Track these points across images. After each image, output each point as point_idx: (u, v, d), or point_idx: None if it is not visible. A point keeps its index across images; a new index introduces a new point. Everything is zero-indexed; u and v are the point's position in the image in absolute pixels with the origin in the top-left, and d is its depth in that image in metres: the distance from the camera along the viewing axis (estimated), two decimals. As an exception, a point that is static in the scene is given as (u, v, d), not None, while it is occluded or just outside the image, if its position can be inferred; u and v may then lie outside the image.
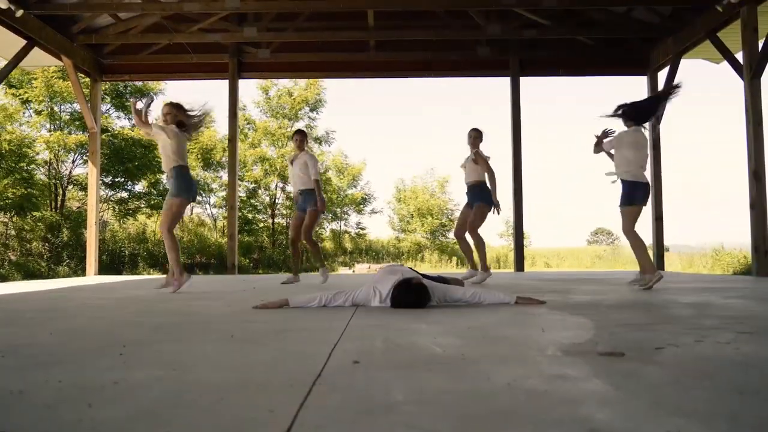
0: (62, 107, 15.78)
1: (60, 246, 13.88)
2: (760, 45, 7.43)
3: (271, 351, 2.06)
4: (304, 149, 6.38)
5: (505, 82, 10.36)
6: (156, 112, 6.47)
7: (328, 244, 20.45)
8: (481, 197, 6.13)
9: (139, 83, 16.13)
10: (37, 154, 15.31)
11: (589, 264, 20.41)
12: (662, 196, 10.05)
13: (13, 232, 14.04)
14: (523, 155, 10.10)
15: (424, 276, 3.82)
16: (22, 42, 8.49)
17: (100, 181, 11.56)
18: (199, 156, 18.53)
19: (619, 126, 5.18)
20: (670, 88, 5.51)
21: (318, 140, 20.76)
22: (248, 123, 20.02)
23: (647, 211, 7.82)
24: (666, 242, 10.42)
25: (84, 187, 15.06)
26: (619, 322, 2.76)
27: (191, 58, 10.35)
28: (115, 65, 10.59)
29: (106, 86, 15.53)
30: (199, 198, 19.84)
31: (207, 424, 1.19)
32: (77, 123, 15.38)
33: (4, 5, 7.56)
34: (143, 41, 10.04)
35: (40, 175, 15.62)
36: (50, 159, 15.59)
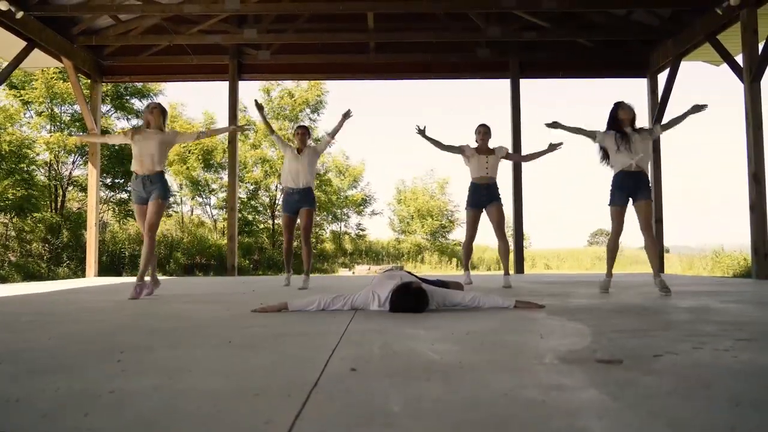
0: (62, 108, 15.79)
1: (60, 247, 13.88)
2: (760, 48, 7.43)
3: (269, 356, 2.06)
4: (307, 145, 6.27)
5: (505, 84, 10.37)
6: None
7: (328, 246, 20.45)
8: (499, 195, 6.17)
9: (139, 84, 16.14)
10: (38, 155, 15.32)
11: (589, 265, 20.40)
12: (662, 198, 10.06)
13: (13, 233, 14.04)
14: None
15: (423, 280, 3.82)
16: (23, 43, 8.49)
17: (100, 182, 11.56)
18: (200, 157, 18.54)
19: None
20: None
21: (318, 141, 20.74)
22: (248, 124, 20.02)
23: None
24: (666, 243, 10.43)
25: (84, 188, 15.06)
26: (618, 327, 2.76)
27: (191, 60, 10.35)
28: (115, 66, 10.60)
29: (108, 87, 15.55)
30: (199, 199, 19.88)
31: (203, 435, 1.19)
32: (77, 124, 15.38)
33: (4, 7, 7.56)
34: (143, 43, 10.05)
35: (41, 176, 15.63)
36: (50, 160, 15.60)
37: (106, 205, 16.28)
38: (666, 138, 15.63)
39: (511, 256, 10.60)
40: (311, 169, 6.16)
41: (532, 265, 19.73)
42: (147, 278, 5.03)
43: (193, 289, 6.31)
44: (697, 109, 4.90)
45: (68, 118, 15.79)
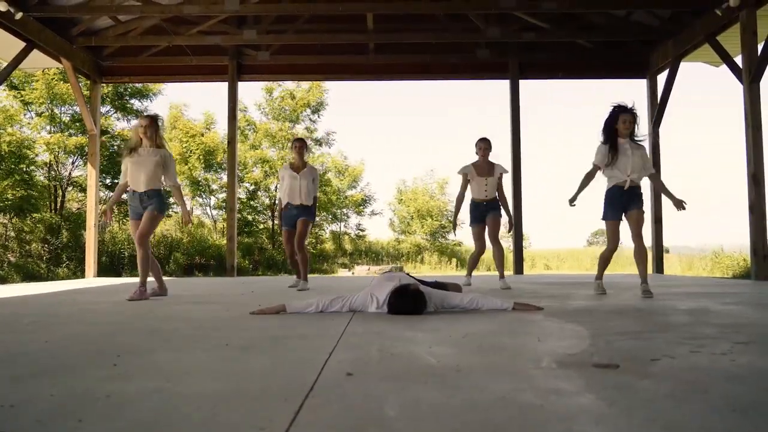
0: (62, 109, 15.79)
1: (59, 247, 13.88)
2: (759, 49, 7.42)
3: (267, 359, 2.06)
4: (304, 157, 6.32)
5: (505, 84, 10.37)
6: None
7: (328, 246, 20.44)
8: (498, 207, 6.32)
9: (138, 85, 16.14)
10: (37, 155, 15.32)
11: (588, 266, 20.39)
12: (661, 198, 10.04)
13: (12, 234, 14.04)
14: (523, 156, 10.15)
15: (422, 282, 3.82)
16: (22, 44, 8.48)
17: (100, 183, 11.56)
18: (201, 157, 18.54)
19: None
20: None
21: (318, 142, 20.77)
22: (249, 124, 20.03)
23: (646, 213, 7.80)
24: (666, 243, 10.42)
25: (83, 189, 15.06)
26: (616, 330, 2.75)
27: (191, 61, 10.35)
28: (114, 67, 10.59)
29: (108, 88, 15.55)
30: (199, 199, 19.88)
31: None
32: (77, 125, 15.38)
33: (3, 8, 7.56)
34: (143, 43, 10.04)
35: (40, 176, 15.64)
36: (50, 160, 15.60)
37: (105, 206, 16.27)
38: (666, 138, 15.61)
39: (510, 256, 10.63)
40: (309, 189, 6.21)
41: (531, 265, 19.73)
42: (151, 279, 5.05)
43: (193, 289, 6.31)
44: (679, 205, 4.87)
45: (68, 119, 15.80)
